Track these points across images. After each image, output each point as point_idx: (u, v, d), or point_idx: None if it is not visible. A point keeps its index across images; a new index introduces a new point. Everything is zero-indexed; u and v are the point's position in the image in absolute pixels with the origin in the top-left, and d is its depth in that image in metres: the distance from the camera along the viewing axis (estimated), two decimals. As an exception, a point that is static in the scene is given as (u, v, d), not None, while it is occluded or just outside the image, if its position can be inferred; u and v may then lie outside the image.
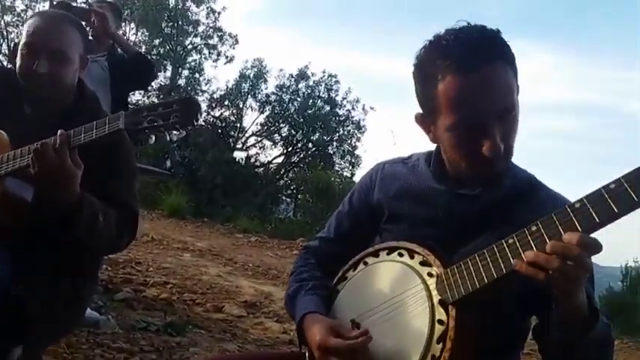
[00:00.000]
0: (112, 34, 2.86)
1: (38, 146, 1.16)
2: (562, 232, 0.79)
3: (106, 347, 2.40)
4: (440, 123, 1.00)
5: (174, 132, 1.10)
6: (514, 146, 1.00)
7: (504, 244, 0.85)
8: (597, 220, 0.77)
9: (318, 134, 15.46)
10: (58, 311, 1.32)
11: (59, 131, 1.17)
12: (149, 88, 15.26)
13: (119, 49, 2.91)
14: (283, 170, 15.77)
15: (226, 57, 16.11)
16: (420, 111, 1.05)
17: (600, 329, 0.88)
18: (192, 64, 16.14)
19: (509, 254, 0.84)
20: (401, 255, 1.03)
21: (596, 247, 0.79)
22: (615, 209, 0.75)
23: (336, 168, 14.65)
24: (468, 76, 0.93)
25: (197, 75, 16.04)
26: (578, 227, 0.78)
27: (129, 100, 3.35)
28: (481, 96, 0.93)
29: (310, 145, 15.61)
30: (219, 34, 16.21)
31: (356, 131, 15.57)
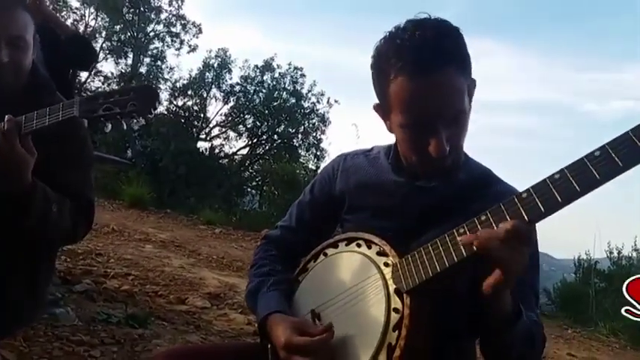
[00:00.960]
0: (48, 15, 2.68)
1: None
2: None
3: (65, 340, 2.35)
4: (392, 117, 1.03)
5: (132, 120, 1.09)
6: (463, 143, 1.04)
7: (455, 233, 0.88)
8: (542, 209, 0.80)
9: (283, 126, 15.42)
10: (11, 303, 1.29)
11: (7, 116, 1.14)
12: (111, 75, 14.86)
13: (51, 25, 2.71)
14: (248, 162, 15.67)
15: (189, 46, 15.86)
16: (378, 101, 1.08)
17: (525, 325, 0.92)
18: (155, 51, 15.80)
19: (459, 243, 0.87)
20: (359, 245, 1.05)
21: (526, 238, 0.81)
22: (559, 198, 0.79)
23: (301, 160, 14.66)
24: (419, 80, 0.94)
25: (159, 63, 15.72)
26: (525, 216, 0.81)
27: (88, 87, 3.24)
28: (430, 101, 0.95)
29: (275, 137, 15.56)
30: (183, 22, 15.91)
31: (321, 124, 15.65)
